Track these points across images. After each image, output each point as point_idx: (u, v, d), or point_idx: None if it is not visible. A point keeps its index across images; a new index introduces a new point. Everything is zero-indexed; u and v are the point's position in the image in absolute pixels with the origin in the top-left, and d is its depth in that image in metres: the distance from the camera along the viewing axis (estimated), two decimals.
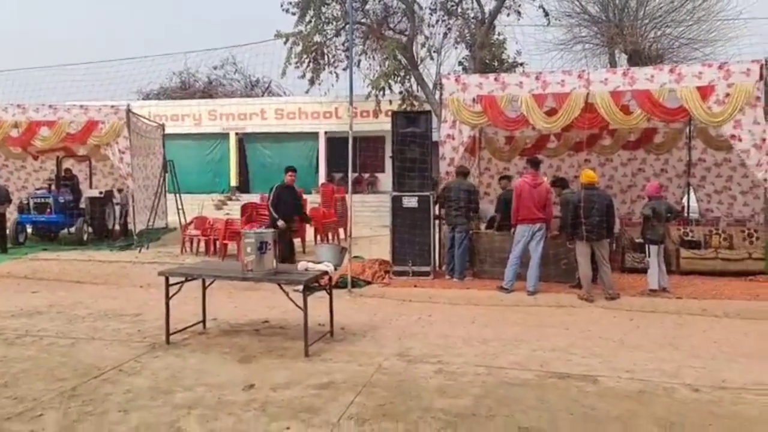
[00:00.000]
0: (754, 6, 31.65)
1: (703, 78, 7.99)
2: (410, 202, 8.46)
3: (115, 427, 3.43)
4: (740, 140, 7.93)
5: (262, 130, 22.83)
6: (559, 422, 3.49)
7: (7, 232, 11.11)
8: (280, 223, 8.08)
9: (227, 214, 17.11)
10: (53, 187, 12.38)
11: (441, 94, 9.24)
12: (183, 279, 5.23)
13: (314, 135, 22.54)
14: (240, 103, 23.93)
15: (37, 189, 12.51)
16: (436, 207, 8.57)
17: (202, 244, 10.93)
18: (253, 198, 16.41)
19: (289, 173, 8.58)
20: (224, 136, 23.15)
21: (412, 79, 18.96)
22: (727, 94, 7.81)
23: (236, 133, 23.07)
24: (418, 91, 19.26)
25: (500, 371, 4.44)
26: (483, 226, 9.06)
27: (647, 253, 7.28)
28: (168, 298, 5.12)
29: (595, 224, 6.88)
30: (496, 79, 8.82)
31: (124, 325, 5.82)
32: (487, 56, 18.19)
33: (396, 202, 8.51)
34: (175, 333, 5.25)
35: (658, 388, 4.07)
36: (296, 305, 4.93)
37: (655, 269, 7.23)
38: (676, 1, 19.89)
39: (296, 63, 18.44)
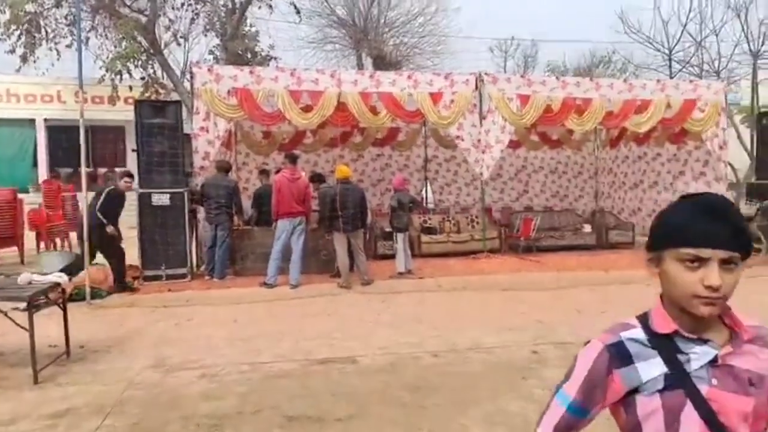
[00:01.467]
0: (472, 26, 38.17)
1: (434, 85, 9.24)
2: (161, 199, 7.81)
3: None
4: (462, 140, 9.43)
5: None
6: (323, 405, 3.66)
7: None
8: (110, 229, 7.04)
9: None
10: None
11: (192, 84, 8.73)
12: None
13: (31, 122, 18.94)
14: None
15: None
16: (193, 204, 8.09)
17: None
18: None
19: (126, 179, 7.47)
20: None
21: (156, 65, 17.39)
22: (452, 101, 9.19)
23: None
24: (163, 78, 17.77)
25: (264, 366, 4.44)
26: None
27: (395, 239, 8.13)
28: None
29: (350, 216, 7.38)
30: (251, 72, 8.73)
31: None
32: (239, 47, 17.82)
33: (143, 199, 7.76)
34: None
35: (406, 358, 4.59)
36: (18, 325, 4.10)
37: (401, 254, 8.12)
38: (410, 14, 22.57)
39: (1, 34, 15.18)
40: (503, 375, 4.18)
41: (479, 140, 9.41)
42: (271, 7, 18.24)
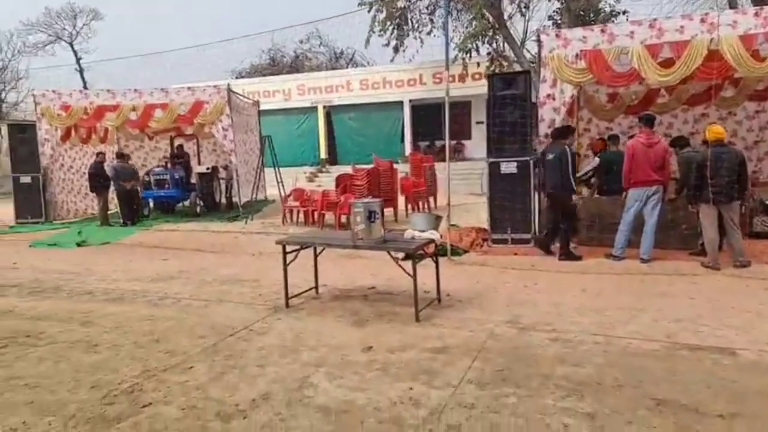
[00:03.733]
0: None
1: None
2: (509, 167, 8.24)
3: (256, 379, 3.72)
4: None
5: (348, 102, 23.09)
6: (697, 395, 3.32)
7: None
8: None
9: (319, 185, 17.64)
10: (168, 165, 13.38)
11: (539, 52, 8.80)
12: (298, 247, 5.49)
13: (399, 104, 22.44)
14: (326, 76, 24.30)
15: (155, 167, 13.55)
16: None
17: (301, 214, 11.37)
18: (343, 169, 16.75)
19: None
20: (312, 109, 23.68)
21: (500, 39, 18.22)
22: None
23: (324, 106, 23.52)
24: (506, 51, 18.51)
25: (621, 341, 4.28)
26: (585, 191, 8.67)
27: None
28: (286, 264, 5.41)
29: (723, 185, 6.34)
30: (602, 31, 8.22)
31: (245, 290, 6.24)
32: (581, 7, 17.05)
33: (494, 168, 8.33)
34: (291, 297, 5.56)
35: None
36: (405, 272, 5.02)
37: None
38: None
39: (380, 31, 18.34)
40: None
41: None
42: None
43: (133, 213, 11.87)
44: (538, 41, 8.94)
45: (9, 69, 34.70)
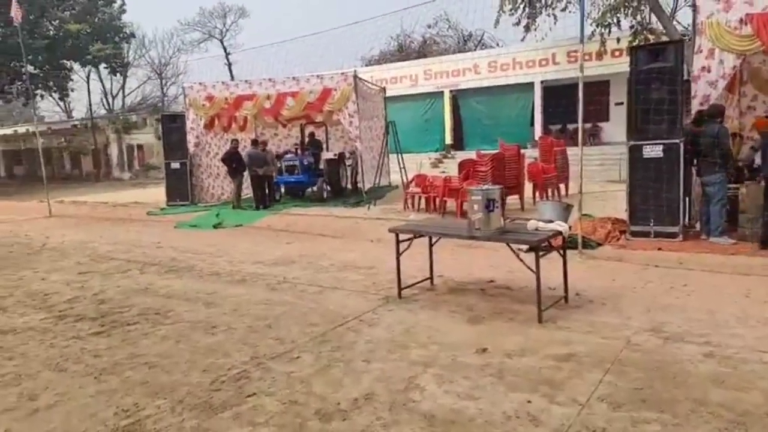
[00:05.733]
0: None
1: None
2: (653, 151, 7.25)
3: (361, 375, 3.57)
4: None
5: (475, 86, 22.36)
6: None
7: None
8: None
9: (443, 171, 17.31)
10: (298, 151, 13.97)
11: (694, 18, 7.63)
12: (411, 236, 5.27)
13: (529, 86, 21.20)
14: (453, 60, 23.76)
15: (285, 153, 14.23)
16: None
17: (423, 201, 11.19)
18: (468, 155, 16.24)
19: None
20: (439, 94, 23.33)
21: (646, 10, 16.33)
22: None
23: (450, 91, 23.05)
24: (652, 23, 16.55)
25: None
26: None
27: None
28: (398, 254, 5.22)
29: None
30: None
31: (360, 277, 6.19)
32: None
33: (634, 152, 7.40)
34: (405, 288, 5.37)
35: None
36: (527, 267, 4.57)
37: None
38: None
39: (510, 10, 17.42)
40: None
41: None
42: None
43: (265, 197, 12.56)
44: (694, 5, 7.77)
45: (170, 65, 39.06)
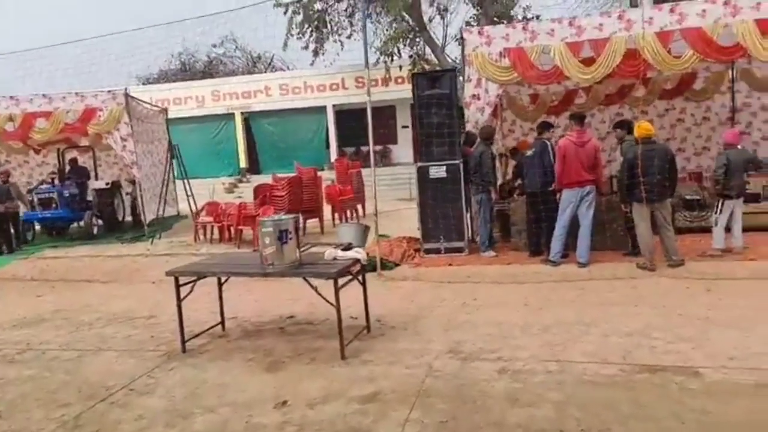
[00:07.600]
0: None
1: (762, 10, 7.01)
2: (438, 171, 7.70)
3: None
4: None
5: (268, 108, 21.95)
6: None
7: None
8: None
9: (239, 197, 16.48)
10: (56, 181, 11.78)
11: (462, 50, 8.39)
12: (194, 278, 4.56)
13: (322, 109, 21.57)
14: (244, 81, 23.02)
15: (40, 183, 11.90)
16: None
17: (216, 231, 10.30)
18: (265, 179, 15.70)
19: None
20: (230, 116, 22.31)
21: (421, 42, 17.93)
22: None
23: (241, 113, 22.23)
24: (427, 54, 18.24)
25: (575, 367, 3.74)
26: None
27: (716, 209, 6.48)
28: (179, 300, 4.47)
29: (655, 183, 6.07)
30: (524, 29, 7.90)
31: (135, 331, 5.21)
32: (497, 13, 17.11)
33: (422, 172, 7.77)
34: (191, 339, 4.63)
35: None
36: (327, 301, 4.25)
37: (721, 227, 6.45)
38: None
39: (298, 34, 17.54)
40: None
41: None
42: None
43: (9, 239, 10.22)
44: (461, 39, 8.55)
45: None
